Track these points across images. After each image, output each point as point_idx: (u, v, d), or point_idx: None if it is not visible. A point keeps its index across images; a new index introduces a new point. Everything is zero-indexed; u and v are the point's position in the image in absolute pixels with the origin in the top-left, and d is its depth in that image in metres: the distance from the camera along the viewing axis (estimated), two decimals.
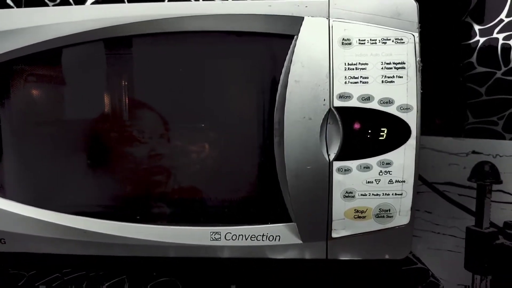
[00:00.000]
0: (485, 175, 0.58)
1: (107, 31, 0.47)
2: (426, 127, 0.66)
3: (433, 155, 0.67)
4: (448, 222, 0.65)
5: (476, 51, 0.61)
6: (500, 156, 0.60)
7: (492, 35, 0.60)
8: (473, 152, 0.62)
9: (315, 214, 0.45)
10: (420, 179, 0.65)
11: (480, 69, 0.61)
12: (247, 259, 0.47)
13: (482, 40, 0.61)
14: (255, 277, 0.49)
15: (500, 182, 0.58)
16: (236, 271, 0.49)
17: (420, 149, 0.66)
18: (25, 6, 0.62)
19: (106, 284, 0.44)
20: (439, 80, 0.66)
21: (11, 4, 0.62)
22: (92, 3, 0.62)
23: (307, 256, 0.46)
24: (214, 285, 0.47)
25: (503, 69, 0.59)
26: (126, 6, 0.47)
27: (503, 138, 0.60)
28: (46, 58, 0.49)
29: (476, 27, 0.61)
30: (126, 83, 0.50)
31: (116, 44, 0.49)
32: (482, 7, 0.60)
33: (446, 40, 0.65)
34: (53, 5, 0.62)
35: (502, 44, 0.59)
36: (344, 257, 0.45)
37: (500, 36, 0.59)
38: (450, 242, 0.65)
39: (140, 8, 0.46)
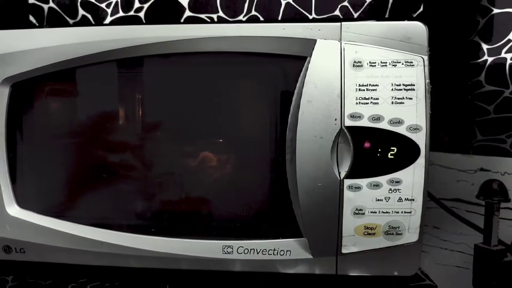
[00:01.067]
0: (493, 193, 0.58)
1: (124, 51, 0.49)
2: (435, 143, 0.67)
3: (441, 171, 0.67)
4: (456, 238, 0.65)
5: (485, 70, 0.62)
6: (509, 174, 0.60)
7: (500, 54, 0.61)
8: (481, 169, 0.63)
9: (326, 230, 0.46)
10: (428, 195, 0.65)
11: (489, 87, 0.62)
12: (258, 273, 0.48)
13: (490, 59, 0.62)
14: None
15: (508, 200, 0.58)
16: (247, 285, 0.50)
17: (428, 164, 0.67)
18: (47, 23, 0.65)
19: None
20: (448, 98, 0.67)
21: (34, 21, 0.64)
22: (111, 22, 0.64)
23: (317, 271, 0.47)
24: None
25: (511, 88, 0.60)
26: (144, 27, 0.49)
27: (511, 156, 0.60)
28: (67, 75, 0.51)
29: (485, 47, 0.62)
30: (143, 100, 0.51)
31: (132, 64, 0.50)
32: (490, 27, 0.62)
33: (455, 59, 0.66)
34: (73, 22, 0.65)
35: (510, 63, 0.60)
36: (353, 273, 0.45)
37: (508, 56, 0.61)
38: (458, 258, 0.65)
39: (157, 30, 0.48)
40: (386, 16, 0.62)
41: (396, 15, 0.62)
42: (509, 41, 0.60)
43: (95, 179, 0.53)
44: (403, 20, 0.45)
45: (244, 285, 0.50)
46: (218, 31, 0.47)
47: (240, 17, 0.62)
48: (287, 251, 0.47)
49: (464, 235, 0.64)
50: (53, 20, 0.64)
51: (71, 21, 0.65)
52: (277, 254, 0.47)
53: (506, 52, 0.61)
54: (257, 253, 0.48)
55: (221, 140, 0.51)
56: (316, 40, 0.45)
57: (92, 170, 0.53)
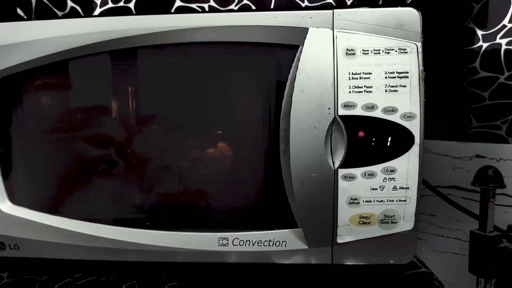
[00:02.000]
0: (489, 180, 0.58)
1: (115, 42, 0.48)
2: (430, 131, 0.67)
3: (437, 159, 0.67)
4: (453, 225, 0.66)
5: (480, 56, 0.62)
6: (504, 160, 0.60)
7: (495, 40, 0.61)
8: (477, 156, 0.62)
9: (321, 220, 0.46)
10: (423, 183, 0.65)
11: (484, 74, 0.62)
12: (254, 264, 0.48)
13: (485, 45, 0.61)
14: (261, 282, 0.50)
15: (504, 186, 0.58)
16: (243, 276, 0.50)
17: (424, 153, 0.67)
18: (35, 15, 0.64)
19: None
20: (443, 85, 0.66)
21: (22, 14, 0.63)
22: (100, 13, 0.63)
23: (313, 261, 0.47)
24: None
25: (506, 74, 0.60)
26: (135, 18, 0.48)
27: (507, 142, 0.60)
28: (57, 68, 0.51)
29: (479, 33, 0.62)
30: (134, 92, 0.51)
31: (123, 55, 0.50)
32: (485, 13, 0.61)
33: (449, 45, 0.65)
34: (62, 14, 0.64)
35: (505, 49, 0.60)
36: (349, 262, 0.46)
37: (503, 41, 0.60)
38: (455, 245, 0.65)
39: (148, 20, 0.47)
40: (380, 2, 0.61)
41: (390, 1, 0.61)
42: (504, 26, 0.60)
43: (88, 174, 0.53)
44: (397, 6, 0.45)
45: (240, 277, 0.50)
46: (209, 21, 0.46)
47: (232, 6, 0.61)
48: (282, 242, 0.47)
49: (460, 222, 0.64)
50: (41, 12, 0.63)
51: (59, 13, 0.64)
52: (272, 245, 0.47)
53: (501, 38, 0.60)
54: (253, 245, 0.48)
55: (214, 132, 0.50)
56: (308, 28, 0.44)
57: (85, 164, 0.53)
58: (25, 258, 0.51)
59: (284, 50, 0.45)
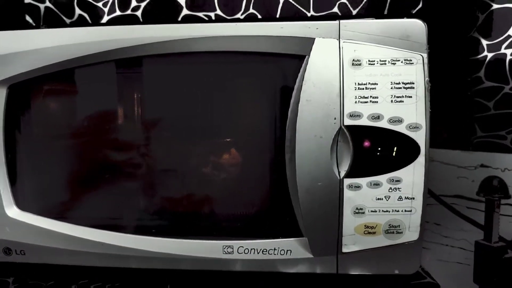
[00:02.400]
0: (494, 190, 0.58)
1: (122, 51, 0.49)
2: (435, 140, 0.67)
3: (441, 168, 0.67)
4: (457, 234, 0.65)
5: (484, 66, 0.62)
6: (509, 170, 0.60)
7: (500, 50, 0.61)
8: (482, 165, 0.62)
9: (326, 229, 0.46)
10: (428, 192, 0.65)
11: (488, 83, 0.62)
12: (259, 272, 0.48)
13: (490, 55, 0.62)
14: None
15: (509, 196, 0.58)
16: (247, 284, 0.50)
17: (428, 161, 0.67)
18: (43, 22, 0.64)
19: None
20: (448, 94, 0.66)
21: (30, 21, 0.64)
22: (108, 21, 0.63)
23: (318, 270, 0.47)
24: None
25: (511, 84, 0.60)
26: (141, 27, 0.49)
27: (511, 152, 0.60)
28: (64, 76, 0.51)
29: (484, 42, 0.62)
30: (141, 101, 0.51)
31: (130, 64, 0.50)
32: (490, 23, 0.61)
33: (454, 55, 0.65)
34: (70, 22, 0.64)
35: (510, 59, 0.60)
36: (354, 272, 0.46)
37: (508, 52, 0.60)
38: (459, 254, 0.65)
39: (154, 30, 0.48)
40: (385, 12, 0.62)
41: (395, 12, 0.61)
42: (509, 36, 0.60)
43: (95, 180, 0.53)
44: (403, 16, 0.45)
45: (245, 285, 0.50)
46: (216, 31, 0.47)
47: (238, 15, 0.62)
48: (287, 250, 0.47)
49: (465, 232, 0.64)
50: (50, 20, 0.64)
51: (68, 21, 0.64)
52: (277, 254, 0.47)
53: (506, 48, 0.60)
54: (258, 253, 0.48)
55: (220, 140, 0.51)
56: (314, 38, 0.44)
57: (91, 171, 0.53)
58: (31, 263, 0.51)
59: (291, 60, 0.46)
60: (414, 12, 0.62)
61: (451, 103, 0.66)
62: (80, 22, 0.64)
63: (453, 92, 0.66)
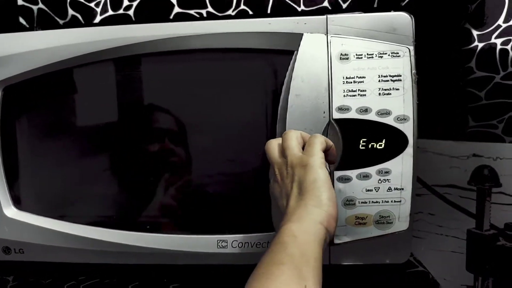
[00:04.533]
0: (485, 179, 0.59)
1: (116, 50, 0.49)
2: (427, 131, 0.67)
3: (434, 158, 0.68)
4: (451, 223, 0.66)
5: (475, 56, 0.62)
6: (501, 159, 0.61)
7: (490, 40, 0.61)
8: (474, 155, 0.63)
9: None
10: (420, 182, 0.66)
11: (480, 73, 0.62)
12: (253, 265, 0.49)
13: (480, 45, 0.62)
14: None
15: (500, 185, 0.59)
16: (242, 277, 0.51)
17: (421, 152, 0.67)
18: (37, 24, 0.65)
19: None
20: (440, 85, 0.67)
21: (24, 22, 0.64)
22: (101, 21, 0.64)
23: None
24: None
25: (502, 73, 0.61)
26: (135, 27, 0.49)
27: (503, 141, 0.61)
28: (58, 77, 0.52)
29: (475, 33, 0.62)
30: (136, 98, 0.51)
31: (124, 62, 0.51)
32: (480, 13, 0.62)
33: (445, 46, 0.66)
34: (63, 23, 0.65)
35: (500, 49, 0.61)
36: (346, 262, 0.46)
37: (498, 41, 0.61)
38: (453, 243, 0.66)
39: (148, 29, 0.49)
40: (375, 5, 0.62)
41: (385, 5, 0.62)
42: (499, 26, 0.60)
43: (91, 179, 0.54)
44: (392, 9, 0.46)
45: (239, 278, 0.51)
46: (206, 28, 0.47)
47: (229, 12, 0.62)
48: None
49: (458, 221, 0.65)
50: (43, 21, 0.64)
51: (61, 22, 0.65)
52: None
53: (496, 38, 0.61)
54: (251, 247, 0.49)
55: (212, 136, 0.51)
56: (302, 34, 0.45)
57: (87, 170, 0.54)
58: (30, 261, 0.52)
59: (279, 56, 0.46)
60: (403, 4, 0.62)
61: (444, 94, 0.67)
62: (73, 23, 0.65)
63: (445, 83, 0.66)
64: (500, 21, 0.60)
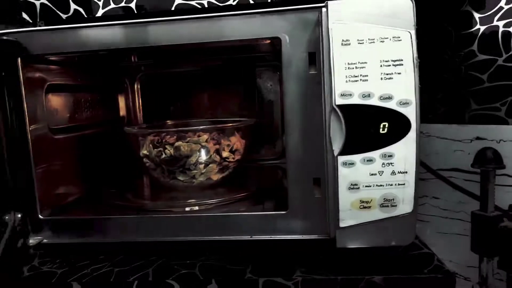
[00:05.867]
0: (488, 161, 0.59)
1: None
2: (430, 115, 0.68)
3: (438, 142, 0.68)
4: (455, 206, 0.67)
5: (477, 39, 0.62)
6: (504, 141, 0.61)
7: (492, 22, 0.61)
8: (477, 138, 0.63)
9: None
10: (424, 166, 0.67)
11: (482, 56, 0.62)
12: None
13: (482, 28, 0.62)
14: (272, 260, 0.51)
15: (503, 167, 0.59)
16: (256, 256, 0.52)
17: (425, 137, 0.68)
18: (40, 19, 0.65)
19: (132, 278, 0.48)
20: (442, 69, 0.67)
21: (27, 18, 0.65)
22: (103, 14, 0.64)
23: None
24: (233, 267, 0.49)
25: (504, 56, 0.61)
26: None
27: (506, 123, 0.61)
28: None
29: (476, 16, 0.62)
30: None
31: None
32: None
33: (447, 30, 0.66)
34: (66, 17, 0.65)
35: (503, 31, 0.60)
36: (352, 245, 0.47)
37: (501, 24, 0.61)
38: (458, 226, 0.67)
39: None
40: None
41: None
42: (501, 8, 0.60)
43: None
44: None
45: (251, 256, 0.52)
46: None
47: (230, 2, 0.63)
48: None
49: (463, 204, 0.65)
50: (46, 16, 0.65)
51: (63, 16, 0.65)
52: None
53: (498, 20, 0.61)
54: None
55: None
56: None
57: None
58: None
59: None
60: None
61: (446, 78, 0.67)
62: (76, 17, 0.65)
63: (446, 67, 0.66)
64: (502, 3, 0.60)
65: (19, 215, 0.53)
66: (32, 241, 0.54)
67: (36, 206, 0.54)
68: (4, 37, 0.51)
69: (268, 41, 0.56)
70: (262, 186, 0.66)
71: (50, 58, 0.59)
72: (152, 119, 0.85)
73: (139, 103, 0.86)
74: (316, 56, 0.47)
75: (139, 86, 0.86)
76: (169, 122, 0.79)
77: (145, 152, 0.62)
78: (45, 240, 0.55)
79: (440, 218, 0.69)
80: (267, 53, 0.71)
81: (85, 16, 0.64)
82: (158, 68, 0.84)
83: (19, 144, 0.53)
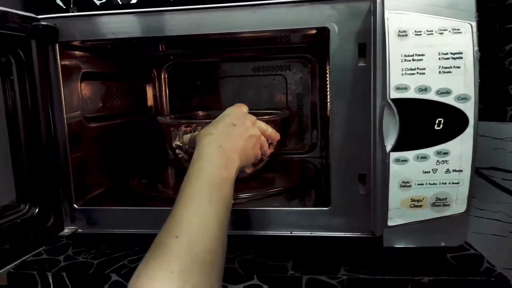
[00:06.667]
0: None
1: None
2: None
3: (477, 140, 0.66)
4: (493, 207, 0.65)
5: None
6: None
7: None
8: None
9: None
10: None
11: None
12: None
13: None
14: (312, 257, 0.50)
15: None
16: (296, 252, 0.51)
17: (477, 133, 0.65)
18: (74, 5, 0.64)
19: None
20: (482, 65, 0.65)
21: (61, 4, 0.63)
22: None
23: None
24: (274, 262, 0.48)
25: None
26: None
27: None
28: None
29: None
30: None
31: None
32: None
33: (489, 24, 0.63)
34: (100, 3, 0.64)
35: None
36: (399, 245, 0.46)
37: None
38: (495, 226, 0.65)
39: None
40: None
41: None
42: None
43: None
44: None
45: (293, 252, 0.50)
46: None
47: None
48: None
49: (501, 204, 0.64)
50: (80, 2, 0.63)
51: (97, 2, 0.64)
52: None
53: None
54: None
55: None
56: None
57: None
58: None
59: None
60: None
61: (486, 74, 0.64)
62: (110, 3, 0.64)
63: (487, 62, 0.64)
64: None
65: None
66: (67, 230, 0.54)
67: (72, 195, 0.53)
68: (43, 23, 0.50)
69: (309, 32, 0.54)
70: (294, 181, 0.65)
71: (85, 45, 0.58)
72: (178, 110, 0.83)
73: (166, 93, 0.85)
74: (367, 48, 0.45)
75: (166, 76, 0.85)
76: (200, 113, 0.77)
77: (178, 143, 0.60)
78: (79, 230, 0.54)
79: (477, 218, 0.67)
80: (302, 44, 0.69)
81: (120, 2, 0.63)
82: (186, 57, 0.83)
83: (56, 132, 0.52)
